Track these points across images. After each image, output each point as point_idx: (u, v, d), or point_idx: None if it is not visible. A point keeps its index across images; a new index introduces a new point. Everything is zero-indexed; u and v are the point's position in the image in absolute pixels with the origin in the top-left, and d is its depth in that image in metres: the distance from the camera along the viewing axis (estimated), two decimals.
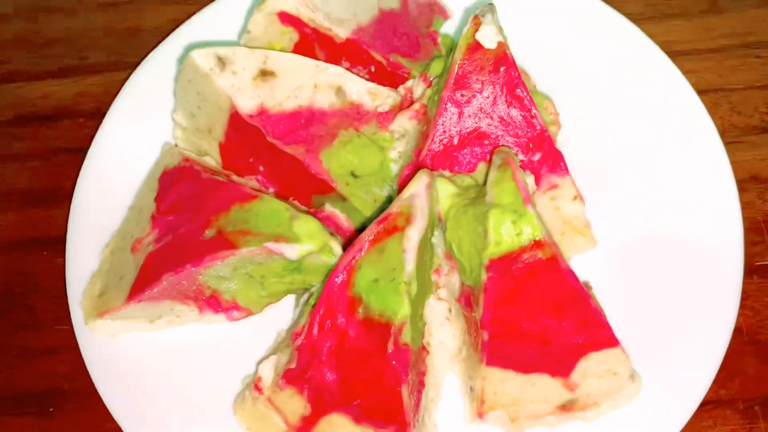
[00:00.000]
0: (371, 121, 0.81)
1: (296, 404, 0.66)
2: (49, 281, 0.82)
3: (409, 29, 0.86)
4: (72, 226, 0.79)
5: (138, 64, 0.88)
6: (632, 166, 0.77)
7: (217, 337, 0.75)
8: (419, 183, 0.65)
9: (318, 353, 0.65)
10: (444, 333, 0.71)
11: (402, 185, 0.77)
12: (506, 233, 0.62)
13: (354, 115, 0.80)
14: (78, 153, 0.87)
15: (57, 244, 0.82)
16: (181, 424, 0.70)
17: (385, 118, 0.81)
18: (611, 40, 0.82)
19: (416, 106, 0.79)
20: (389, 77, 0.84)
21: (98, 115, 0.90)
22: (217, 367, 0.74)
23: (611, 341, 0.65)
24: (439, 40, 0.88)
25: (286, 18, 0.79)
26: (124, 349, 0.74)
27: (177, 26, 0.88)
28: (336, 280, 0.64)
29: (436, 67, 0.81)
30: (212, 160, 0.81)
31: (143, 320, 0.75)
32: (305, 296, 0.74)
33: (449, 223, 0.67)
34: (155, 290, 0.70)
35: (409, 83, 0.82)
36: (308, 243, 0.67)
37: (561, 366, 0.66)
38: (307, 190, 0.79)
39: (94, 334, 0.74)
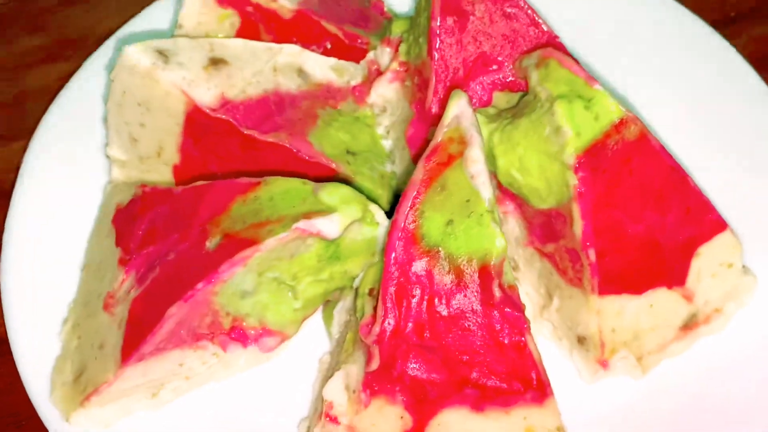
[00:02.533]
0: (347, 98, 0.70)
1: (390, 419, 0.50)
2: None
3: (352, 1, 0.77)
4: (10, 315, 0.60)
5: (35, 127, 0.72)
6: None
7: (242, 393, 0.57)
8: (458, 102, 0.54)
9: (404, 337, 0.50)
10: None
11: (412, 144, 0.66)
12: (583, 121, 0.52)
13: (325, 95, 0.69)
14: None
15: None
16: None
17: (360, 91, 0.70)
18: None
19: (394, 65, 0.69)
20: (348, 51, 0.73)
21: (3, 194, 0.73)
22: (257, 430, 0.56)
23: (720, 224, 0.55)
24: (386, 8, 0.79)
25: (223, 0, 0.67)
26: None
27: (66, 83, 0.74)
28: (398, 239, 0.50)
29: (398, 26, 0.71)
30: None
31: (143, 394, 0.56)
32: (340, 305, 0.59)
33: (497, 149, 0.56)
34: (158, 337, 0.52)
35: (370, 55, 0.72)
36: (347, 209, 0.52)
37: (675, 273, 0.56)
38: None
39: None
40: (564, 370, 0.58)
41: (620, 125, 0.52)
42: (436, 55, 0.63)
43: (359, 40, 0.73)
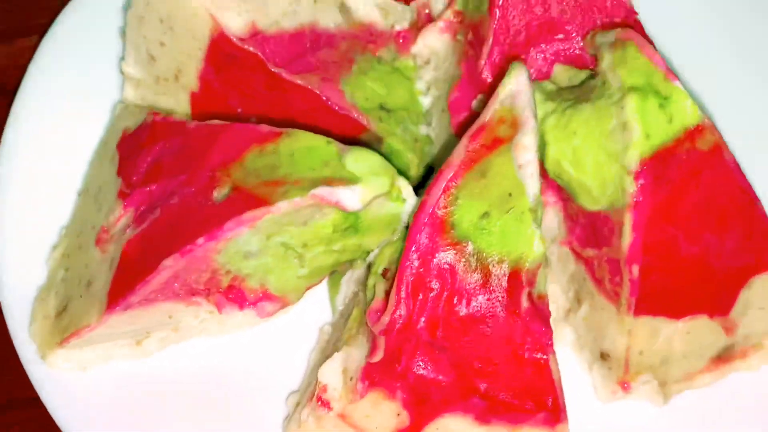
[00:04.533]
0: (389, 44, 0.63)
1: (386, 414, 0.46)
2: None
3: None
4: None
5: (46, 25, 0.66)
6: None
7: (231, 353, 0.54)
8: (518, 76, 0.47)
9: (414, 332, 0.45)
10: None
11: (454, 109, 0.60)
12: (655, 121, 0.45)
13: (366, 37, 0.62)
14: None
15: None
16: None
17: (405, 38, 0.63)
18: None
19: (448, 14, 0.62)
20: None
21: (5, 92, 0.67)
22: (243, 395, 0.52)
23: None
24: None
25: None
26: (105, 392, 0.51)
27: None
28: (424, 224, 0.45)
29: None
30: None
31: (127, 341, 0.52)
32: (349, 274, 0.54)
33: (550, 134, 0.50)
34: (149, 288, 0.48)
35: None
36: (373, 182, 0.47)
37: (720, 301, 0.50)
38: (329, 135, 0.59)
39: (55, 372, 0.51)
40: (579, 383, 0.53)
41: (695, 132, 0.45)
42: (498, 12, 0.56)
43: None
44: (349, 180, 0.47)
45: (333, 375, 0.48)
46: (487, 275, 0.45)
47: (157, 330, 0.53)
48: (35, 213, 0.57)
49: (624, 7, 0.56)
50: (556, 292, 0.56)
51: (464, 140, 0.46)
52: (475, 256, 0.45)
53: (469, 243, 0.45)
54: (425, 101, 0.64)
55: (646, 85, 0.46)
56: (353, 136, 0.60)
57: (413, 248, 0.45)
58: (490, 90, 0.53)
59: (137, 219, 0.51)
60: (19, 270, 0.54)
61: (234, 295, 0.51)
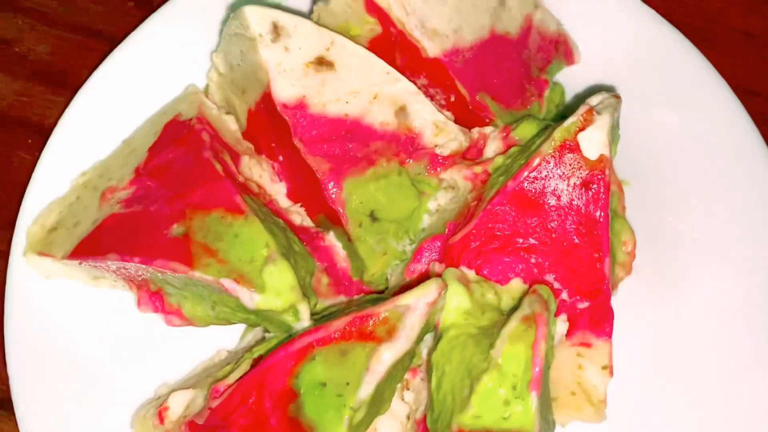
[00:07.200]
0: (422, 159, 0.67)
1: None
2: (15, 174, 0.73)
3: (517, 66, 0.70)
4: (58, 132, 0.69)
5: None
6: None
7: (151, 328, 0.65)
8: (423, 295, 0.51)
9: (229, 426, 0.54)
10: None
11: (417, 257, 0.64)
12: (491, 410, 0.49)
13: (405, 146, 0.66)
14: (108, 40, 0.76)
15: (45, 135, 0.72)
16: (75, 409, 0.62)
17: (439, 163, 0.66)
18: None
19: (478, 169, 0.64)
20: (467, 114, 0.69)
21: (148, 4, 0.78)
22: (138, 364, 0.64)
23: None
24: (547, 93, 0.71)
25: (372, 7, 0.63)
26: (48, 309, 0.64)
27: None
28: (281, 357, 0.52)
29: (525, 130, 0.65)
30: (235, 123, 0.68)
31: (86, 274, 0.65)
32: (256, 331, 0.63)
33: (443, 344, 0.54)
34: (98, 263, 0.60)
35: (486, 129, 0.67)
36: (272, 298, 0.55)
37: None
38: (317, 207, 0.66)
39: (27, 268, 0.65)
40: None
41: None
42: (490, 210, 0.58)
43: (484, 113, 0.68)
44: (256, 287, 0.55)
45: (178, 404, 0.58)
46: (296, 426, 0.52)
47: (107, 279, 0.65)
48: (88, 135, 0.68)
49: (598, 273, 0.57)
50: None
51: (351, 316, 0.52)
52: (297, 407, 0.51)
53: (300, 394, 0.52)
54: (427, 220, 0.68)
55: (510, 376, 0.49)
56: (332, 222, 0.66)
57: (264, 366, 0.53)
58: (417, 279, 0.57)
59: (127, 201, 0.62)
60: (51, 176, 0.67)
61: (156, 298, 0.61)
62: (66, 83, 0.77)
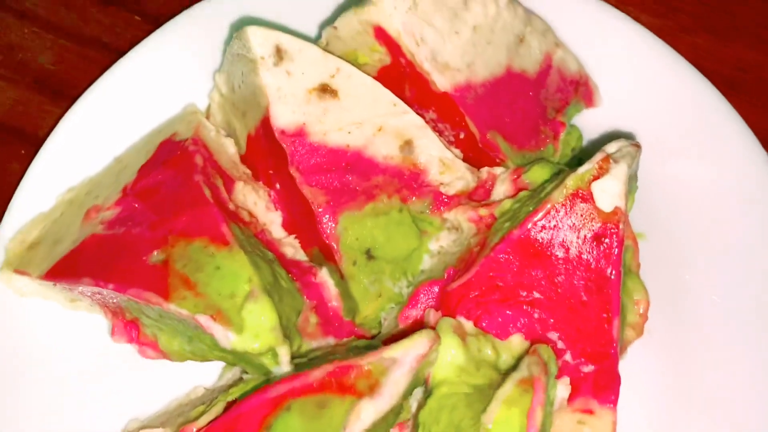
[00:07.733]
0: (425, 197, 0.63)
1: None
2: (5, 186, 0.70)
3: (533, 106, 0.66)
4: (48, 144, 0.66)
5: None
6: None
7: (128, 356, 0.61)
8: (413, 348, 0.47)
9: None
10: None
11: (413, 302, 0.60)
12: None
13: (408, 182, 0.62)
14: (113, 54, 0.74)
15: (38, 146, 0.69)
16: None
17: (443, 202, 0.63)
18: None
19: (484, 211, 0.60)
20: (477, 153, 0.65)
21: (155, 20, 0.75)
22: (111, 395, 0.60)
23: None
24: (563, 135, 0.67)
25: (382, 36, 0.60)
26: (21, 329, 0.61)
27: None
28: (253, 405, 0.48)
29: (536, 173, 0.61)
30: (233, 146, 0.65)
31: (62, 296, 0.62)
32: (235, 370, 0.59)
33: (431, 402, 0.50)
34: (73, 286, 0.56)
35: (496, 170, 0.63)
36: (250, 340, 0.51)
37: None
38: (311, 240, 0.62)
39: (2, 285, 0.62)
40: None
41: None
42: (493, 257, 0.54)
43: (495, 152, 0.64)
44: (233, 325, 0.51)
45: None
46: None
47: (84, 302, 0.62)
48: (79, 151, 0.66)
49: (606, 336, 0.52)
50: None
51: (332, 365, 0.48)
52: None
53: None
54: (427, 261, 0.64)
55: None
56: (328, 258, 0.62)
57: (234, 414, 0.49)
58: (411, 327, 0.53)
59: (110, 222, 0.59)
60: (37, 191, 0.64)
61: (130, 328, 0.58)
62: (65, 94, 0.74)
